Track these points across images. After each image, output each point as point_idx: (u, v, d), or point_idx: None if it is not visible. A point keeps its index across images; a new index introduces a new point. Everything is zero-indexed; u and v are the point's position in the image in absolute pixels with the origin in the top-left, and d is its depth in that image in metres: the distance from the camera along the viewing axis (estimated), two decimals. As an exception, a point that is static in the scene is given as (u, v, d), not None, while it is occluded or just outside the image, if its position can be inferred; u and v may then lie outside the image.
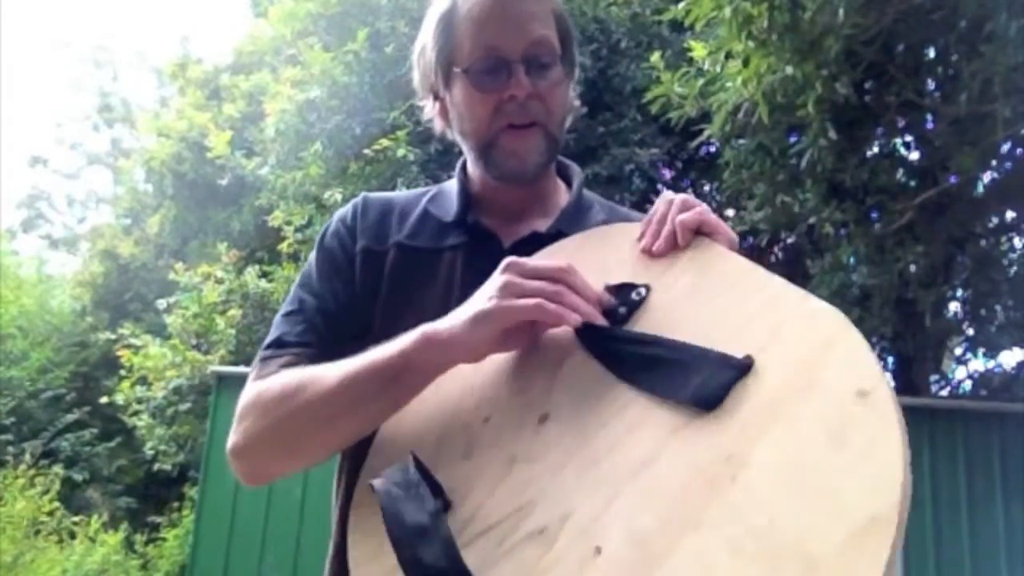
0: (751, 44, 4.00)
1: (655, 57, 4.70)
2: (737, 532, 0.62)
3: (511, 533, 0.73)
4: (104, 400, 8.35)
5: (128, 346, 8.08)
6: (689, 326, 0.76)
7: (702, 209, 0.84)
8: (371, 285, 0.99)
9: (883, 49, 4.32)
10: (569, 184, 1.09)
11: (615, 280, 0.84)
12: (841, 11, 3.70)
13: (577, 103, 1.08)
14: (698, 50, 4.41)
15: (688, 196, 0.86)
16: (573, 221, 1.01)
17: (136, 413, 7.80)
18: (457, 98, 0.99)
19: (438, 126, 1.07)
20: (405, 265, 1.00)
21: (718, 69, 4.33)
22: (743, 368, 0.69)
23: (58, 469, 8.25)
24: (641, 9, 6.25)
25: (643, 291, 0.82)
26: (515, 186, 1.02)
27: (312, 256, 1.05)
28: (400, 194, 1.10)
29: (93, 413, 9.90)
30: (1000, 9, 3.66)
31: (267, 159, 6.99)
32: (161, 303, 8.51)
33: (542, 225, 1.01)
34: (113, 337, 8.83)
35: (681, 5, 4.27)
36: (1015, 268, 5.66)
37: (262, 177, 7.31)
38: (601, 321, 0.79)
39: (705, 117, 4.60)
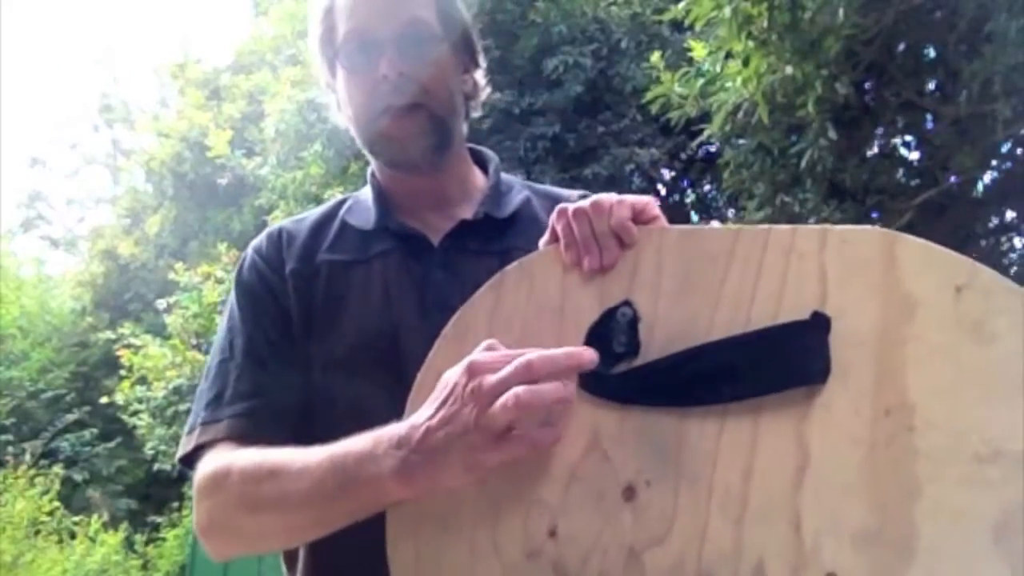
0: (751, 44, 4.00)
1: (655, 57, 4.70)
2: (966, 468, 0.57)
3: None
4: (104, 400, 8.35)
5: (128, 346, 8.08)
6: (718, 319, 0.66)
7: (623, 199, 0.74)
8: (305, 305, 0.94)
9: (883, 49, 4.32)
10: (485, 171, 1.05)
11: (580, 316, 0.71)
12: (841, 11, 3.70)
13: (483, 86, 1.04)
14: (698, 50, 4.41)
15: (594, 196, 0.75)
16: (497, 204, 0.98)
17: (136, 413, 7.80)
18: (339, 86, 0.99)
19: (340, 121, 1.04)
20: (336, 280, 0.95)
21: (718, 69, 4.33)
22: (824, 324, 0.61)
23: (58, 469, 8.24)
24: (641, 9, 6.25)
25: (628, 310, 0.69)
26: (412, 174, 0.98)
27: (232, 296, 0.99)
28: (313, 212, 1.05)
29: (93, 413, 9.90)
30: (1000, 9, 3.67)
31: (267, 159, 6.99)
32: (161, 303, 8.51)
33: (467, 212, 0.98)
34: (113, 337, 8.83)
35: (681, 5, 4.26)
36: (1015, 268, 5.66)
37: (262, 177, 7.31)
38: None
39: (705, 117, 4.60)
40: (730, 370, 0.64)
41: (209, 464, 0.86)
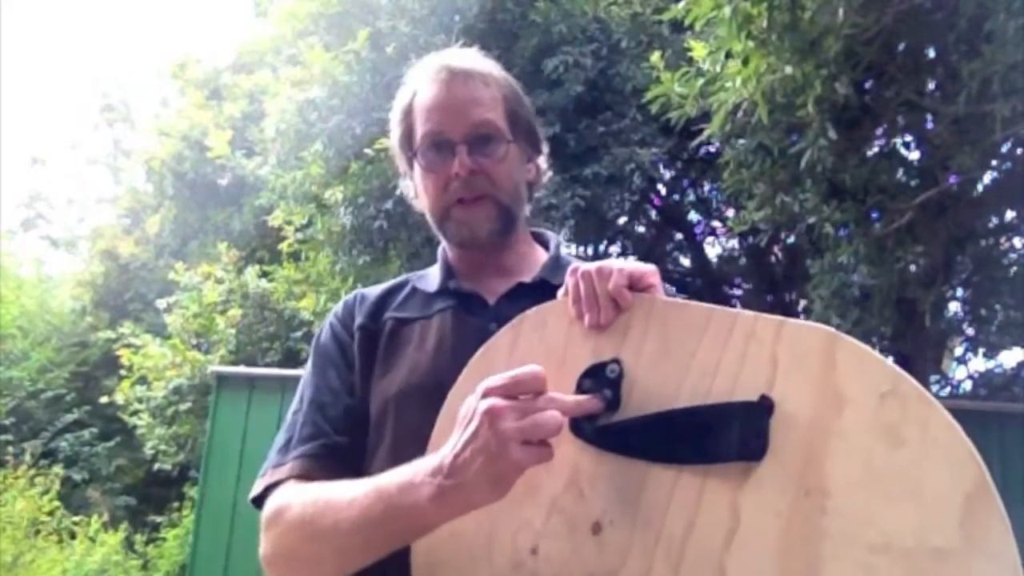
0: (750, 44, 4.00)
1: (655, 57, 4.69)
2: (860, 555, 0.64)
3: None
4: (104, 400, 8.36)
5: (128, 346, 8.09)
6: (684, 387, 0.75)
7: (623, 267, 0.84)
8: (369, 355, 1.06)
9: (883, 49, 4.32)
10: (547, 248, 1.17)
11: (573, 362, 0.82)
12: (841, 11, 3.70)
13: (544, 168, 1.18)
14: (698, 50, 4.41)
15: (600, 263, 0.86)
16: (554, 272, 1.07)
17: (136, 413, 7.81)
18: (416, 179, 1.12)
19: (415, 205, 1.17)
20: (399, 332, 1.07)
21: (718, 69, 4.33)
22: (768, 408, 0.70)
23: (58, 469, 8.25)
24: (641, 9, 6.24)
25: (616, 368, 0.80)
26: (475, 252, 1.11)
27: (310, 357, 1.12)
28: (389, 282, 1.19)
29: (93, 413, 9.90)
30: (999, 8, 3.66)
31: (267, 159, 6.99)
32: (161, 303, 8.51)
33: (526, 277, 1.09)
34: (113, 337, 8.84)
35: (681, 4, 4.26)
36: (1015, 268, 5.66)
37: (262, 177, 7.31)
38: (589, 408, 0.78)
39: (705, 117, 4.60)
40: (688, 437, 0.74)
41: (274, 500, 0.96)
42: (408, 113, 1.11)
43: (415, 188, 1.14)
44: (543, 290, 1.02)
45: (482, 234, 1.07)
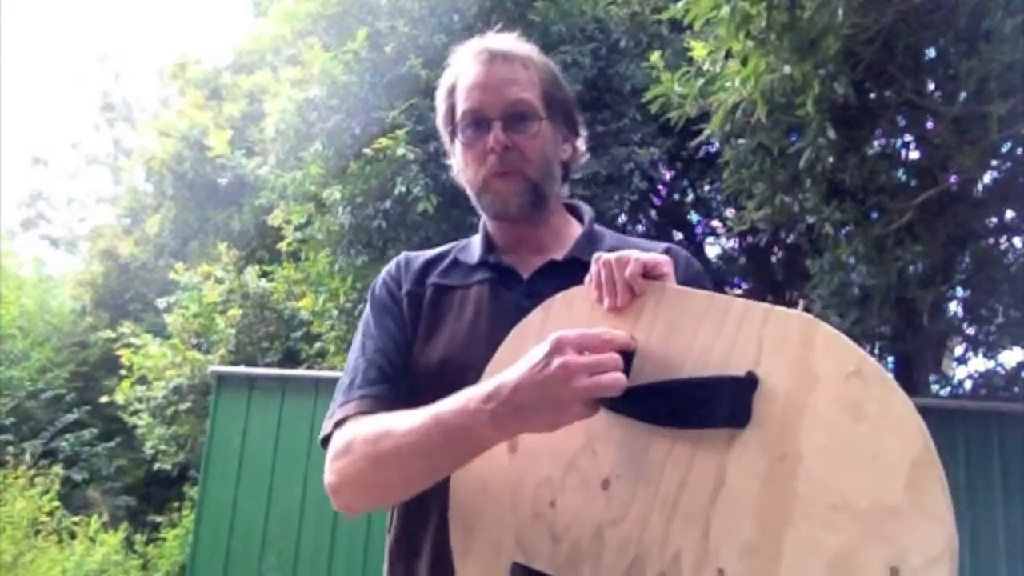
0: (749, 43, 4.00)
1: (655, 56, 4.69)
2: (823, 512, 0.73)
3: None
4: (104, 400, 8.35)
5: (128, 346, 8.08)
6: (686, 361, 0.86)
7: (638, 257, 0.93)
8: (414, 319, 1.16)
9: (883, 49, 4.31)
10: (582, 221, 1.26)
11: None
12: (840, 11, 3.70)
13: (583, 151, 1.28)
14: (698, 50, 4.40)
15: (620, 252, 0.95)
16: (585, 249, 1.15)
17: (136, 413, 7.81)
18: (457, 152, 1.20)
19: (458, 180, 1.25)
20: (440, 299, 1.17)
21: (718, 69, 4.32)
22: (753, 383, 0.80)
23: (58, 469, 8.24)
24: (640, 8, 6.24)
25: (630, 343, 0.89)
26: (510, 224, 1.19)
27: (367, 309, 1.22)
28: (433, 249, 1.28)
29: (93, 413, 9.90)
30: (996, 7, 3.66)
31: (267, 159, 6.99)
32: (161, 303, 8.51)
33: (559, 255, 1.17)
34: (113, 337, 8.83)
35: (680, 4, 4.26)
36: (1015, 268, 5.65)
37: (262, 177, 7.31)
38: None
39: (705, 117, 4.60)
40: (684, 405, 0.84)
41: (341, 435, 1.05)
42: (451, 92, 1.19)
43: (457, 163, 1.22)
44: (573, 267, 1.11)
45: (512, 206, 1.16)
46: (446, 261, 1.22)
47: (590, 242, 1.19)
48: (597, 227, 1.25)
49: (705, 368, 0.84)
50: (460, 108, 1.16)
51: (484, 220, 1.25)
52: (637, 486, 0.86)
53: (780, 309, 0.82)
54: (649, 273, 0.93)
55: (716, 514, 0.79)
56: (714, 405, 0.81)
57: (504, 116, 1.13)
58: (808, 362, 0.77)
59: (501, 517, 0.94)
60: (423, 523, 1.08)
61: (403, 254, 1.27)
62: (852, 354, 0.75)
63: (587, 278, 0.97)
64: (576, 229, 1.24)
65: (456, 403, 0.90)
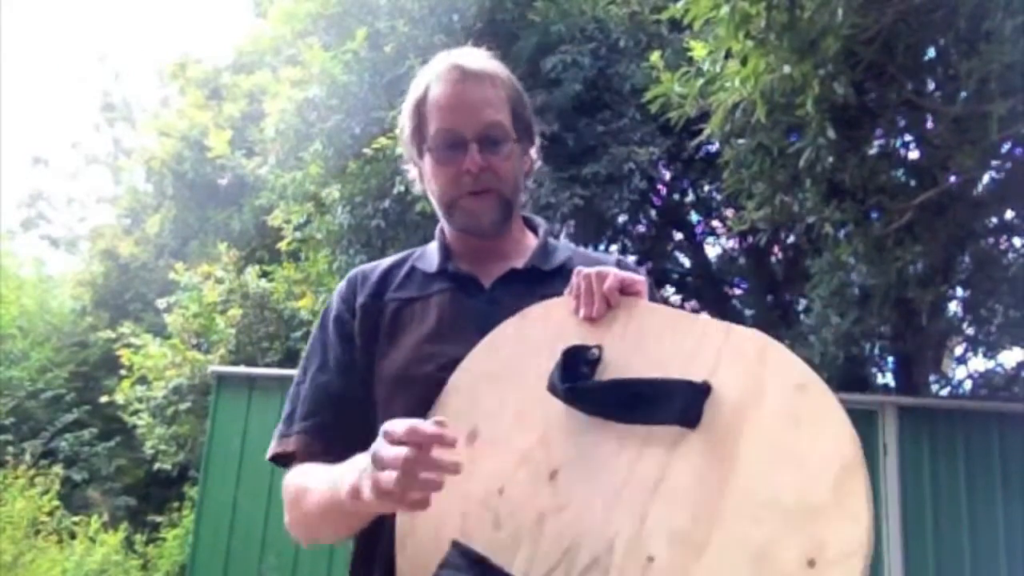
0: (749, 43, 4.00)
1: (655, 56, 4.69)
2: (753, 509, 0.79)
3: (570, 572, 0.87)
4: (104, 400, 8.35)
5: (128, 346, 8.08)
6: (649, 366, 0.92)
7: (617, 274, 1.01)
8: (371, 333, 1.17)
9: (882, 49, 4.31)
10: (536, 233, 1.29)
11: (565, 342, 0.98)
12: (840, 11, 3.69)
13: (538, 161, 1.30)
14: (698, 49, 4.40)
15: (600, 268, 1.02)
16: (543, 258, 1.21)
17: (136, 413, 7.80)
18: (426, 168, 1.21)
19: (417, 187, 1.28)
20: (400, 311, 1.18)
21: (718, 69, 4.32)
22: (707, 389, 0.86)
23: (58, 469, 8.24)
24: (640, 8, 6.24)
25: (596, 351, 0.97)
26: (478, 239, 1.21)
27: (314, 330, 1.24)
28: (388, 259, 1.30)
29: (93, 413, 9.89)
30: (996, 7, 3.66)
31: (267, 159, 6.99)
32: (161, 303, 8.51)
33: (519, 263, 1.20)
34: (113, 337, 8.83)
35: (679, 4, 4.26)
36: (1015, 268, 5.65)
37: (262, 177, 7.31)
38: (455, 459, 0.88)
39: (705, 116, 4.60)
40: (640, 402, 0.89)
41: (285, 480, 1.15)
42: (420, 108, 1.19)
43: (422, 175, 1.24)
44: (534, 276, 1.18)
45: (486, 224, 1.18)
46: (403, 270, 1.24)
47: (547, 252, 1.23)
48: (551, 240, 1.29)
49: (666, 373, 0.90)
50: (433, 126, 1.17)
51: (442, 228, 1.26)
52: (584, 477, 0.90)
53: (739, 328, 0.90)
54: (626, 289, 1.00)
55: (654, 506, 0.84)
56: (668, 404, 0.87)
57: (479, 138, 1.15)
58: (759, 376, 0.84)
59: (448, 499, 0.96)
60: (378, 535, 1.09)
61: (358, 269, 1.27)
62: (800, 370, 0.82)
63: (567, 289, 1.04)
64: (531, 239, 1.27)
65: (348, 474, 0.94)
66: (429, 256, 1.25)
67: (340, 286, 1.25)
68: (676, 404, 0.87)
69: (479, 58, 1.20)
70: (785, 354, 0.84)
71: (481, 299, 1.17)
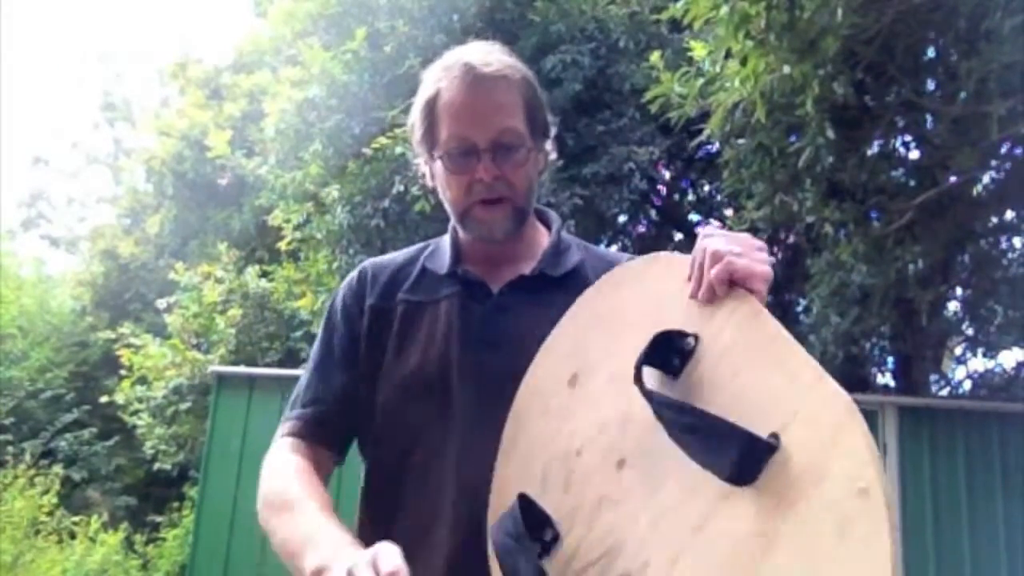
0: (749, 43, 4.00)
1: (654, 56, 4.69)
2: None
3: (604, 574, 0.86)
4: (104, 400, 8.35)
5: (128, 346, 8.08)
6: (723, 393, 0.83)
7: (731, 262, 0.86)
8: (378, 335, 1.17)
9: (882, 49, 4.31)
10: (550, 228, 1.26)
11: (668, 315, 0.91)
12: (840, 11, 3.70)
13: (552, 156, 1.25)
14: (698, 50, 4.40)
15: (718, 243, 0.89)
16: (553, 263, 1.19)
17: (136, 412, 7.80)
18: (437, 174, 1.18)
19: (430, 185, 1.24)
20: (409, 317, 1.17)
21: (717, 69, 4.32)
22: (771, 449, 0.76)
23: (58, 469, 8.24)
24: (640, 8, 6.24)
25: (691, 341, 0.87)
26: (490, 245, 1.19)
27: (324, 319, 1.24)
28: (400, 254, 1.28)
29: (93, 413, 9.90)
30: (996, 7, 3.66)
31: (267, 159, 6.99)
32: (161, 303, 8.51)
33: (528, 268, 1.18)
34: (113, 337, 8.83)
35: (679, 4, 4.26)
36: (1015, 268, 5.66)
37: (262, 177, 7.31)
38: None
39: (705, 117, 4.60)
40: (700, 437, 0.81)
41: (271, 453, 1.14)
42: (431, 110, 1.15)
43: (434, 177, 1.20)
44: (543, 283, 1.16)
45: (499, 233, 1.16)
46: (415, 270, 1.22)
47: (557, 254, 1.20)
48: (565, 236, 1.25)
49: (737, 409, 0.80)
50: (445, 131, 1.13)
51: (454, 226, 1.23)
52: (643, 481, 0.86)
53: (829, 381, 0.77)
54: (739, 282, 0.86)
55: (688, 552, 0.80)
56: (720, 450, 0.78)
57: (492, 146, 1.12)
58: (828, 453, 0.74)
59: (542, 445, 0.97)
60: (397, 494, 1.11)
61: (369, 263, 1.25)
62: (871, 471, 0.72)
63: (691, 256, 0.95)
64: (544, 236, 1.25)
65: (313, 545, 0.92)
66: (440, 255, 1.22)
67: (351, 278, 1.24)
68: (729, 455, 0.77)
69: (492, 57, 1.15)
70: (863, 440, 0.73)
71: (489, 305, 1.15)
